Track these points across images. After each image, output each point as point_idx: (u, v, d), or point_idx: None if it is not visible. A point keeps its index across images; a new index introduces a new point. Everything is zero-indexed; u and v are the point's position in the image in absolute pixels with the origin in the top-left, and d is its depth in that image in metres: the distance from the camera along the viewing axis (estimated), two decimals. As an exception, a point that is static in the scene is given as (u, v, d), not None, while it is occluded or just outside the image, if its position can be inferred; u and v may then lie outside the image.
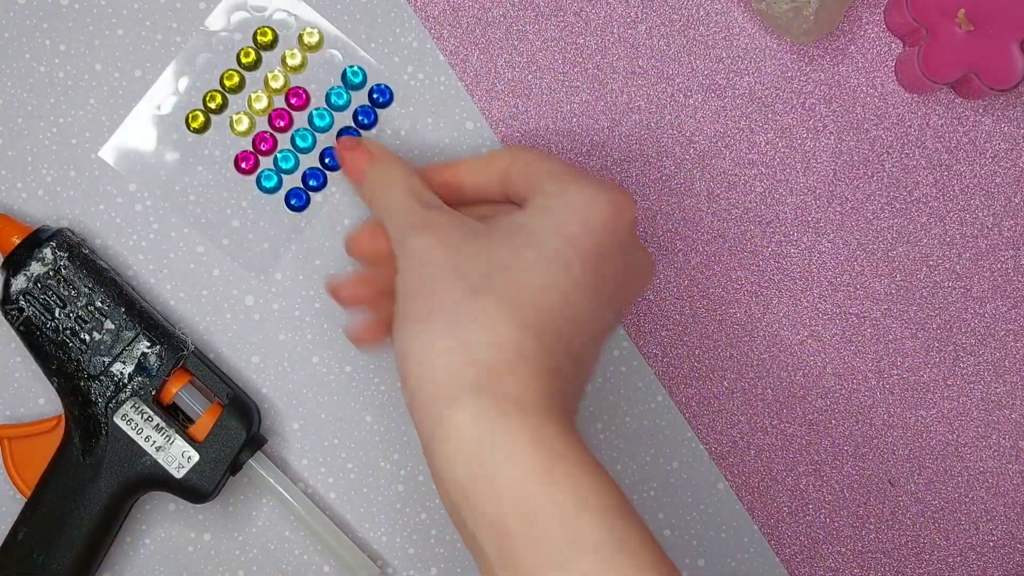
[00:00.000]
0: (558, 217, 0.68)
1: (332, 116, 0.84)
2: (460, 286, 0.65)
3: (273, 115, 0.83)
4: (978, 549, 0.85)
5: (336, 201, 0.83)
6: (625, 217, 0.69)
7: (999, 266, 0.84)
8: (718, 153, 0.84)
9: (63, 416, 0.79)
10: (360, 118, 0.84)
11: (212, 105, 0.83)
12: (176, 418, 0.80)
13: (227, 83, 0.83)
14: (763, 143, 0.84)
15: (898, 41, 0.84)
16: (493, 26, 0.84)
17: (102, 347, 0.78)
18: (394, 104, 0.84)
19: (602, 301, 0.68)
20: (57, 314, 0.78)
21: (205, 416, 0.79)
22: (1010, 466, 0.85)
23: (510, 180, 0.73)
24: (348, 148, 0.76)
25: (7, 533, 0.79)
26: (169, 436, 0.78)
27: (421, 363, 0.64)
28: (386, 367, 0.84)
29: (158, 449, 0.78)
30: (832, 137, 0.84)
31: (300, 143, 0.83)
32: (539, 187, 0.71)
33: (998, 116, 0.84)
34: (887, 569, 0.85)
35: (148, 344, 0.78)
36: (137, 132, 0.83)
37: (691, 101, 0.84)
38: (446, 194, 0.74)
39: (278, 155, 0.84)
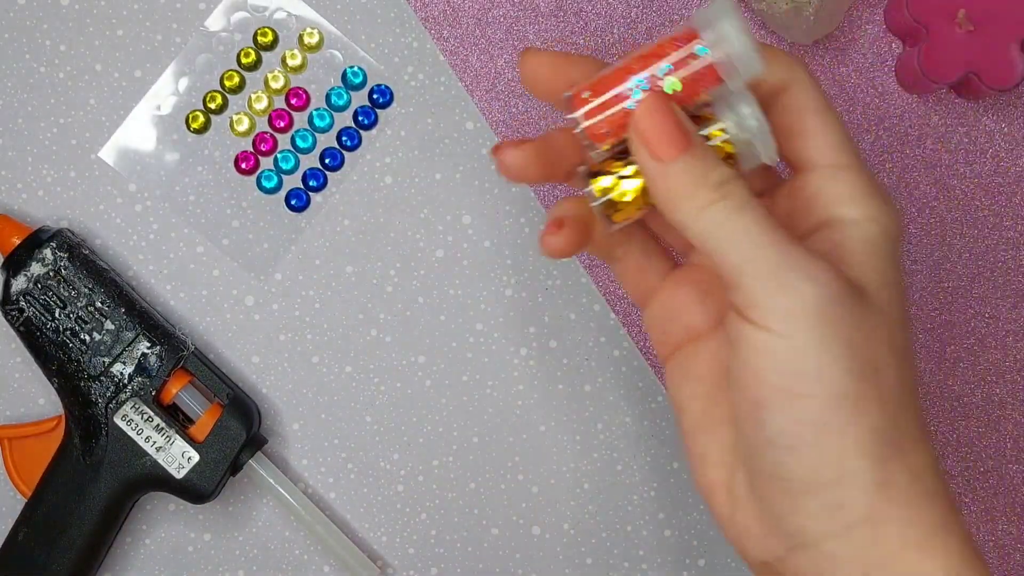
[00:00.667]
0: (894, 256, 0.59)
1: (332, 116, 0.84)
2: (874, 389, 0.56)
3: (273, 115, 0.83)
4: (979, 549, 0.85)
5: (336, 201, 0.83)
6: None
7: (1000, 266, 0.84)
8: (718, 153, 0.84)
9: (63, 416, 0.79)
10: (360, 118, 0.84)
11: (212, 105, 0.83)
12: (176, 418, 0.80)
13: (227, 83, 0.83)
14: (763, 143, 0.84)
15: (898, 41, 0.84)
16: (493, 26, 0.84)
17: (102, 347, 0.78)
18: (394, 104, 0.84)
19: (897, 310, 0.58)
20: (57, 314, 0.78)
21: (205, 416, 0.79)
22: (1011, 466, 0.85)
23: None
24: (662, 111, 0.56)
25: (7, 533, 0.79)
26: (169, 436, 0.78)
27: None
28: (387, 367, 0.84)
29: (158, 449, 0.78)
30: (832, 137, 0.84)
31: (300, 143, 0.83)
32: (837, 198, 0.59)
33: (998, 116, 0.84)
34: (887, 569, 0.85)
35: (148, 344, 0.78)
36: (137, 132, 0.83)
37: (691, 101, 0.84)
38: None
39: (278, 155, 0.84)
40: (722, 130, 0.58)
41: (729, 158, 0.58)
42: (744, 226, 0.55)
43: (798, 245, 0.55)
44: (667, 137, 0.55)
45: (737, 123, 0.58)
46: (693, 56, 0.56)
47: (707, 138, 0.58)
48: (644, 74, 0.57)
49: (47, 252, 0.78)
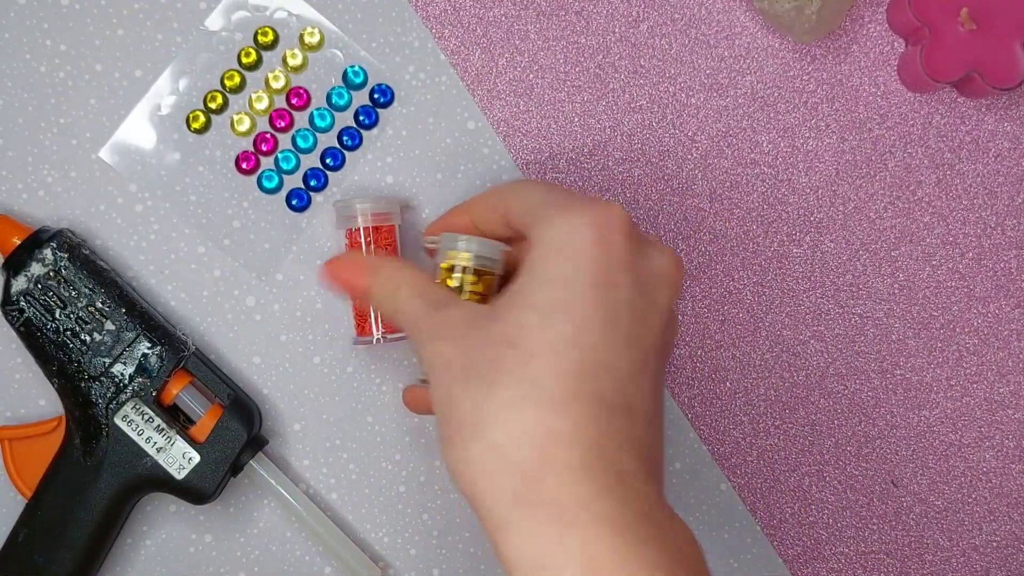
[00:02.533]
0: (545, 263, 0.64)
1: (333, 116, 0.83)
2: (476, 384, 0.61)
3: (274, 115, 0.83)
4: (981, 549, 0.85)
5: (337, 201, 0.83)
6: (615, 231, 0.64)
7: (1002, 266, 0.84)
8: (720, 153, 0.84)
9: (64, 417, 0.79)
10: (361, 118, 0.83)
11: (213, 105, 0.83)
12: (177, 419, 0.79)
13: (228, 83, 0.83)
14: (765, 143, 0.84)
15: (900, 40, 0.84)
16: (494, 25, 0.84)
17: (103, 348, 0.78)
18: (395, 104, 0.84)
19: (628, 327, 0.64)
20: (58, 315, 0.78)
21: (206, 417, 0.79)
22: (1013, 466, 0.85)
23: (513, 221, 0.70)
24: (342, 269, 0.73)
25: (8, 535, 0.79)
26: (170, 437, 0.78)
27: (469, 481, 0.60)
28: (388, 367, 0.84)
29: (159, 450, 0.78)
30: (835, 136, 0.84)
31: (301, 143, 0.83)
32: (530, 230, 0.67)
33: (1001, 115, 0.84)
34: (890, 570, 0.85)
35: (149, 345, 0.78)
36: (138, 132, 0.83)
37: (693, 100, 0.84)
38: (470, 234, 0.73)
39: (279, 155, 0.83)
40: (452, 268, 0.73)
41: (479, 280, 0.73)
42: (400, 318, 0.69)
43: (431, 308, 0.67)
44: (348, 285, 0.73)
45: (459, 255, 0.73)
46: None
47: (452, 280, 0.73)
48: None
49: (47, 252, 0.78)
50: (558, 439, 0.59)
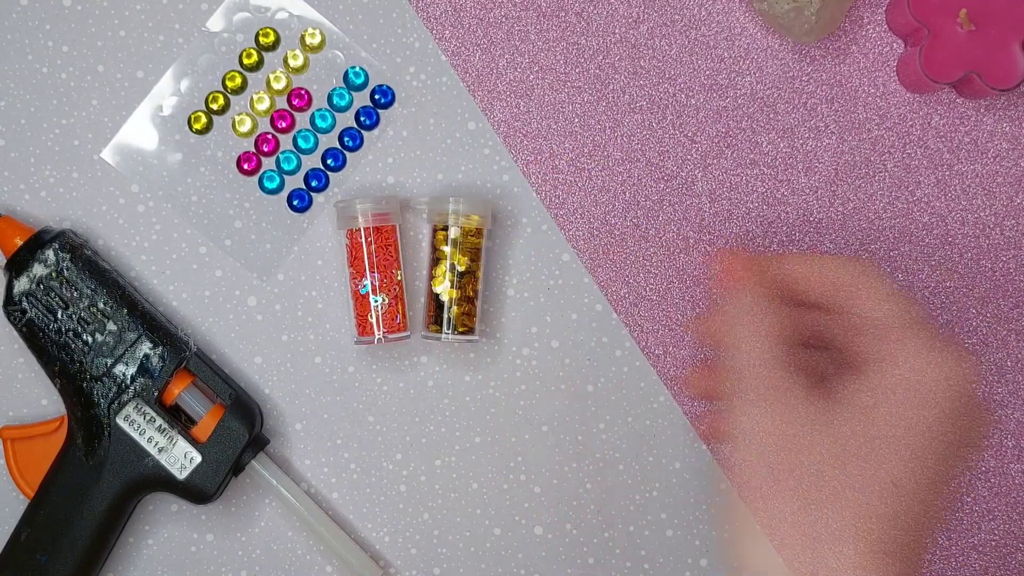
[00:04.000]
0: (908, 392, 0.67)
1: (334, 117, 0.84)
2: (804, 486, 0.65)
3: (275, 116, 0.84)
4: (980, 549, 0.85)
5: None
6: (970, 386, 0.68)
7: (1001, 266, 0.84)
8: (720, 153, 0.84)
9: (66, 417, 0.79)
10: (362, 119, 0.84)
11: (214, 106, 0.83)
12: (178, 419, 0.80)
13: (229, 84, 0.83)
14: (765, 143, 0.84)
15: (900, 41, 0.84)
16: (495, 26, 0.84)
17: (104, 348, 0.78)
18: (396, 105, 0.84)
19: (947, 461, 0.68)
20: (59, 315, 0.78)
21: (207, 417, 0.79)
22: (1012, 466, 0.85)
23: (842, 302, 0.70)
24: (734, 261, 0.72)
25: (10, 534, 0.79)
26: (171, 437, 0.78)
27: None
28: (389, 367, 0.84)
29: (160, 450, 0.78)
30: (834, 137, 0.84)
31: (302, 144, 0.83)
32: (880, 341, 0.69)
33: (1000, 116, 0.84)
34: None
35: (150, 345, 0.78)
36: (139, 133, 0.83)
37: (693, 101, 0.84)
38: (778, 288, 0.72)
39: (280, 156, 0.84)
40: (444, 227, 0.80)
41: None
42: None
43: None
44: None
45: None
46: None
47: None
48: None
49: (49, 253, 0.78)
50: None
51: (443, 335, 0.81)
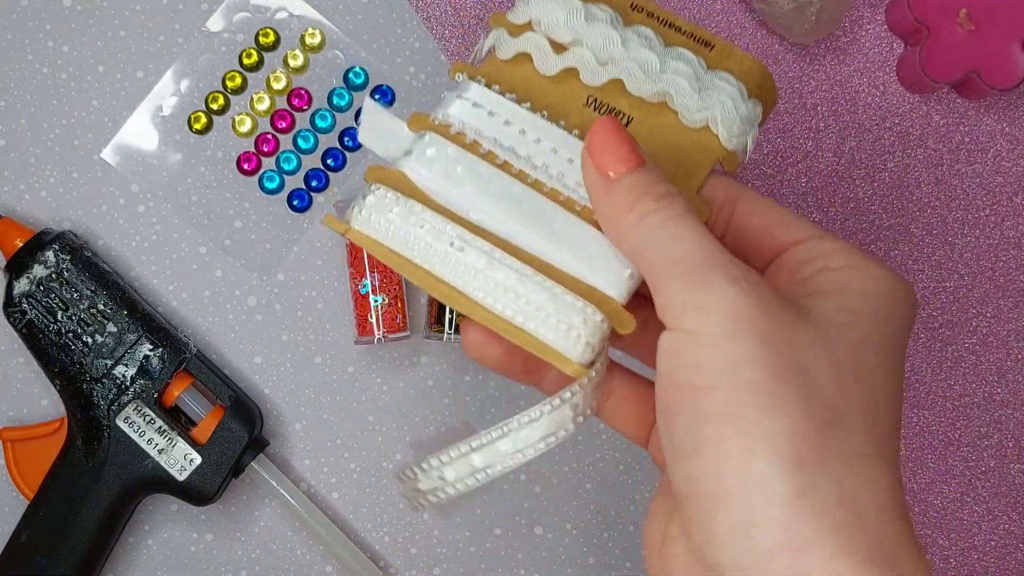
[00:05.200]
0: (877, 296, 0.53)
1: (334, 117, 0.84)
2: (796, 389, 0.50)
3: (275, 116, 0.84)
4: (980, 549, 0.85)
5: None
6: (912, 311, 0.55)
7: (1001, 266, 0.84)
8: (720, 153, 0.84)
9: (66, 418, 0.80)
10: (362, 119, 0.84)
11: (214, 106, 0.83)
12: (178, 420, 0.80)
13: (229, 84, 0.83)
14: (764, 143, 0.84)
15: (900, 41, 0.84)
16: (495, 26, 0.84)
17: (104, 350, 0.78)
18: (396, 105, 0.84)
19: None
20: (59, 317, 0.78)
21: (207, 418, 0.79)
22: (1013, 466, 0.85)
23: (778, 234, 0.58)
24: (615, 131, 0.55)
25: (10, 535, 0.80)
26: (171, 438, 0.79)
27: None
28: (388, 367, 0.84)
29: (160, 452, 0.79)
30: (833, 137, 0.84)
31: (302, 144, 0.83)
32: (822, 256, 0.55)
33: (1000, 116, 0.84)
34: (889, 568, 0.85)
35: (150, 347, 0.79)
36: (140, 133, 0.84)
37: (693, 101, 0.84)
38: None
39: (280, 156, 0.84)
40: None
41: None
42: (676, 232, 0.53)
43: (728, 254, 0.52)
44: (618, 154, 0.55)
45: None
46: None
47: None
48: None
49: (49, 254, 0.78)
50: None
51: (445, 335, 0.81)
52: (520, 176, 0.58)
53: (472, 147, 0.58)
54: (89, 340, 0.78)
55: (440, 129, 0.58)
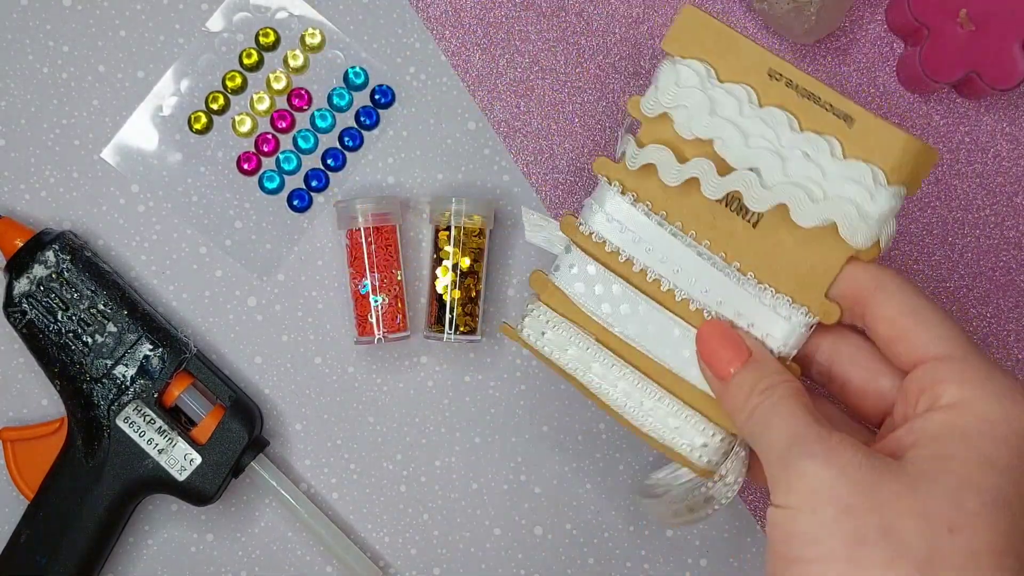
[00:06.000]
0: (982, 442, 0.55)
1: (334, 117, 0.84)
2: (881, 552, 0.52)
3: (275, 116, 0.84)
4: (980, 548, 0.85)
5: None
6: None
7: (1001, 265, 0.84)
8: (720, 153, 0.84)
9: (66, 418, 0.79)
10: (362, 119, 0.84)
11: (214, 106, 0.83)
12: (178, 421, 0.80)
13: (229, 84, 0.83)
14: (765, 143, 0.84)
15: (899, 40, 0.84)
16: (495, 27, 0.84)
17: (104, 350, 0.78)
18: (396, 105, 0.84)
19: None
20: (59, 317, 0.78)
21: (207, 419, 0.79)
22: (1012, 465, 0.85)
23: (880, 328, 0.61)
24: (720, 336, 0.64)
25: (10, 535, 0.80)
26: (171, 439, 0.79)
27: None
28: (389, 367, 0.84)
29: (160, 452, 0.79)
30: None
31: (302, 144, 0.83)
32: (931, 371, 0.58)
33: (1000, 115, 0.84)
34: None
35: (150, 347, 0.79)
36: (140, 133, 0.83)
37: (693, 101, 0.84)
38: None
39: (280, 156, 0.84)
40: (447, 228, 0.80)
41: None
42: (771, 422, 0.59)
43: (816, 427, 0.57)
44: (726, 356, 0.63)
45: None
46: None
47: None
48: None
49: (49, 254, 0.78)
50: None
51: (445, 335, 0.81)
52: (653, 287, 0.67)
53: (611, 257, 0.68)
54: (89, 340, 0.78)
55: (583, 239, 0.68)
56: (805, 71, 0.64)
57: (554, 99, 0.84)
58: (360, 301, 0.81)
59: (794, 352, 0.64)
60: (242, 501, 0.84)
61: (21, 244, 0.79)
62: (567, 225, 0.69)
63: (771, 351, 0.64)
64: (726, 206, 0.64)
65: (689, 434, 0.66)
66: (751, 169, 0.62)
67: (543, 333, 0.69)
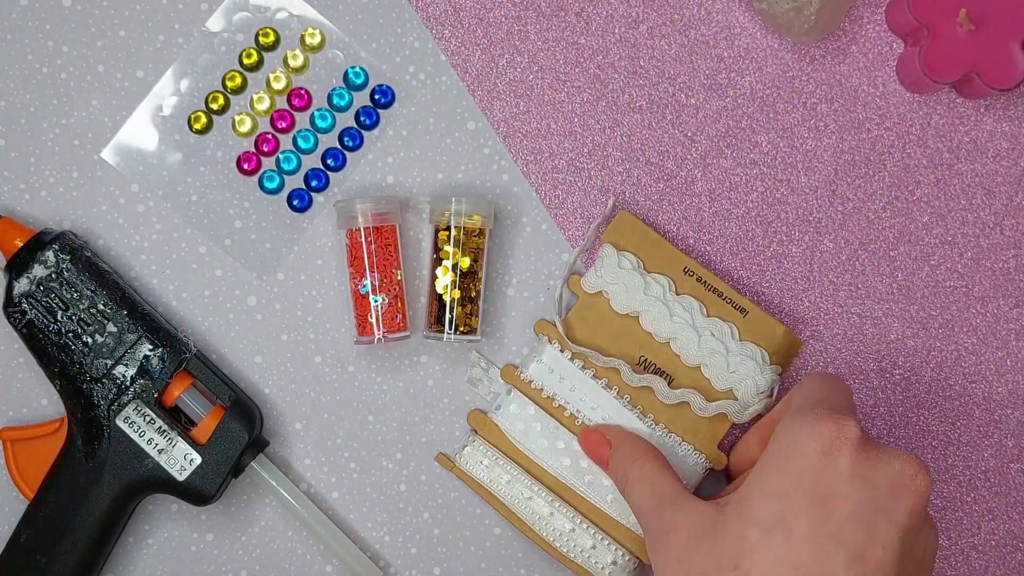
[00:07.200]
0: (770, 475, 0.66)
1: (334, 117, 0.84)
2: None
3: (275, 116, 0.84)
4: (980, 548, 0.85)
5: (338, 202, 0.84)
6: (842, 445, 0.65)
7: (1000, 265, 0.84)
8: (719, 153, 0.84)
9: (66, 418, 0.79)
10: (362, 118, 0.84)
11: (214, 106, 0.83)
12: (178, 420, 0.80)
13: (229, 84, 0.83)
14: (764, 143, 0.84)
15: (899, 40, 0.84)
16: (494, 26, 0.84)
17: (104, 350, 0.78)
18: (396, 104, 0.84)
19: (853, 543, 0.64)
20: (59, 317, 0.78)
21: (207, 418, 0.79)
22: (1012, 465, 0.85)
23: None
24: (590, 437, 0.80)
25: (10, 535, 0.80)
26: (171, 439, 0.79)
27: None
28: (388, 367, 0.84)
29: (160, 452, 0.78)
30: (833, 137, 0.84)
31: (302, 144, 0.83)
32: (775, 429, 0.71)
33: (999, 115, 0.84)
34: (889, 568, 0.85)
35: (150, 347, 0.79)
36: (139, 133, 0.83)
37: (692, 101, 0.84)
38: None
39: (280, 156, 0.84)
40: (447, 228, 0.82)
41: None
42: (632, 490, 0.75)
43: (674, 484, 0.73)
44: (596, 450, 0.79)
45: None
46: None
47: None
48: None
49: (49, 254, 0.78)
50: None
51: (445, 335, 0.81)
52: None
53: (547, 402, 0.81)
54: (89, 340, 0.78)
55: (522, 385, 0.82)
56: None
57: (554, 99, 0.84)
58: (360, 301, 0.81)
59: (694, 488, 0.81)
60: (242, 501, 0.84)
61: (21, 244, 0.79)
62: (508, 373, 0.82)
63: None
64: (644, 369, 0.81)
65: (604, 555, 0.80)
66: (671, 340, 0.80)
67: (481, 462, 0.81)
